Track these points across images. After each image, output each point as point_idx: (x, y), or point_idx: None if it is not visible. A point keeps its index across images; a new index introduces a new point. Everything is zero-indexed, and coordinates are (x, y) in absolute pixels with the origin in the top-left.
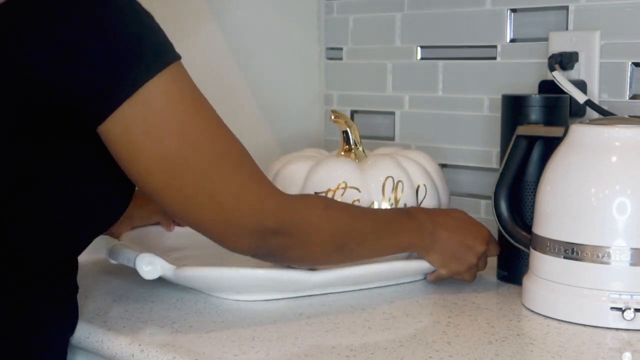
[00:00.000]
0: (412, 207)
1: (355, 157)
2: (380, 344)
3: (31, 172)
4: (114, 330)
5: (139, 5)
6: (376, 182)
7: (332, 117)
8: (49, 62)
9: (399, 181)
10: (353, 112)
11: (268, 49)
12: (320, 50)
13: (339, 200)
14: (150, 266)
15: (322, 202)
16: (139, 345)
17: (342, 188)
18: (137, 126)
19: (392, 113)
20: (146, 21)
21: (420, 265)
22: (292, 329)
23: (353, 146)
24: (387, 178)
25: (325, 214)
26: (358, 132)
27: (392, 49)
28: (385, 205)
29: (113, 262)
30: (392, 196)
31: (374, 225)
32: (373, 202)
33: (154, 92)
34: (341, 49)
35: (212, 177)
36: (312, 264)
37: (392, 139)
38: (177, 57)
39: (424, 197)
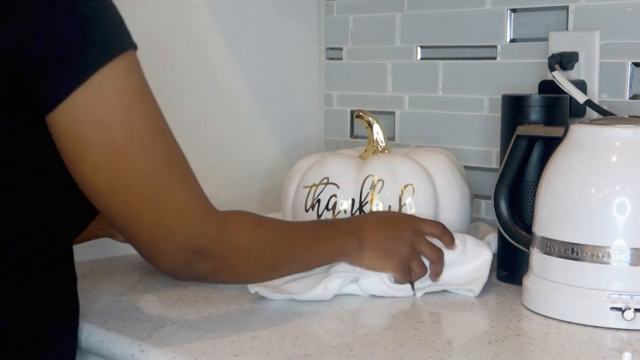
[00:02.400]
0: (339, 218)
1: (369, 156)
2: (380, 344)
3: None
4: (114, 331)
5: None
6: (358, 181)
7: (356, 116)
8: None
9: (379, 180)
10: (353, 112)
11: (268, 48)
12: (320, 50)
13: (317, 196)
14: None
15: (251, 220)
16: (139, 345)
17: (324, 184)
18: (86, 116)
19: (392, 113)
20: (98, 6)
21: None
22: (292, 329)
23: (375, 144)
24: (367, 176)
25: (255, 232)
26: (383, 130)
27: (392, 49)
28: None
29: None
30: (369, 194)
31: (303, 240)
32: (350, 200)
33: (106, 80)
34: (341, 49)
35: (156, 181)
36: (241, 283)
37: (392, 139)
38: (133, 46)
39: (411, 197)
